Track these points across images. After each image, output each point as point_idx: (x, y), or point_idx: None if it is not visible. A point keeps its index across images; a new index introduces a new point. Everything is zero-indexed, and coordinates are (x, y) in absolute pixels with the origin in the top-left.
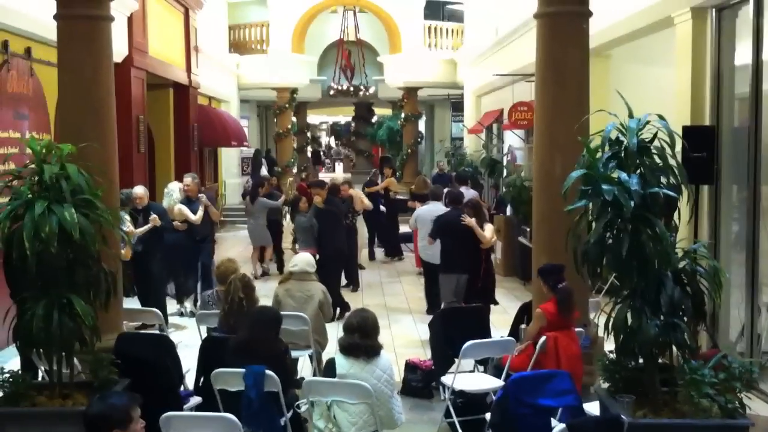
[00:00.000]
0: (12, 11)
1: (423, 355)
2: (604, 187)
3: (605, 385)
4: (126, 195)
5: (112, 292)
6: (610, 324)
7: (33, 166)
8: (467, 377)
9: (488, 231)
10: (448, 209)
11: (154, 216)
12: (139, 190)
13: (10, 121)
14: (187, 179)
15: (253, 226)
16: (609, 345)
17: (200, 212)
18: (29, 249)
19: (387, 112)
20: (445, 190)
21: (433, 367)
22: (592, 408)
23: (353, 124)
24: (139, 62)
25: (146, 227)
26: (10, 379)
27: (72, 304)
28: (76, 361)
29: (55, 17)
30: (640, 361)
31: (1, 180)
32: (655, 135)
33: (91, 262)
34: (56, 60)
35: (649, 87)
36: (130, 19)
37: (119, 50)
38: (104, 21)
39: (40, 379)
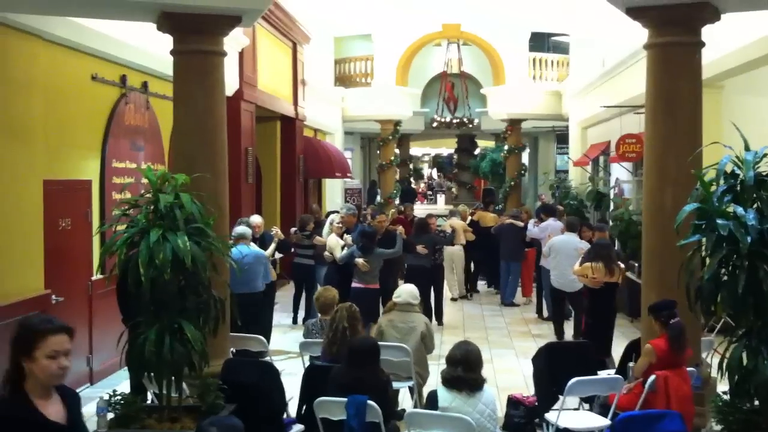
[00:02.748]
0: (130, 47)
1: (525, 390)
2: (719, 221)
3: (718, 428)
4: (246, 223)
5: (221, 318)
6: (724, 364)
7: (149, 195)
8: (572, 415)
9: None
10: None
11: (276, 230)
12: (257, 219)
13: (127, 151)
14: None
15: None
16: (722, 386)
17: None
18: (144, 275)
19: (490, 144)
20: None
21: (536, 403)
22: None
23: (456, 156)
24: (249, 96)
25: (274, 245)
26: (122, 401)
27: (183, 329)
28: (184, 385)
29: (172, 53)
30: (756, 403)
31: (119, 208)
32: None
33: (201, 289)
34: (171, 93)
35: (765, 119)
36: (241, 54)
37: (230, 84)
38: (217, 56)
39: (149, 401)
